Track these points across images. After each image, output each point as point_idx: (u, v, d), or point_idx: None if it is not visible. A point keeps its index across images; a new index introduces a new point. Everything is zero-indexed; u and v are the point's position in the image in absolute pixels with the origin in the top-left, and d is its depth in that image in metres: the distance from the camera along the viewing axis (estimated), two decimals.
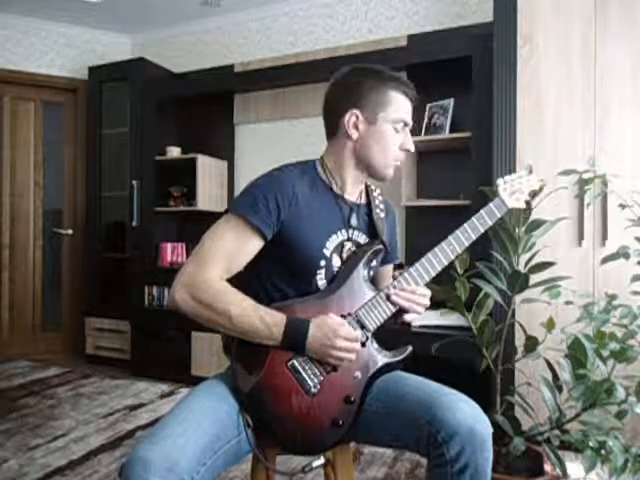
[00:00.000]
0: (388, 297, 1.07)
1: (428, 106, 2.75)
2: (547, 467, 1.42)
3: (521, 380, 1.94)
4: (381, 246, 1.14)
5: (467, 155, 2.50)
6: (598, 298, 1.37)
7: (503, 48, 2.16)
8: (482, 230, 1.15)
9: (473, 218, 1.15)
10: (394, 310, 1.08)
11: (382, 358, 1.07)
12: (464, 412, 0.93)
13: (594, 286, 1.99)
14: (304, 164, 1.14)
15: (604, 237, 1.99)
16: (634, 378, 1.26)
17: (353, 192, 1.17)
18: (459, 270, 1.44)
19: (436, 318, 2.37)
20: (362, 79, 1.09)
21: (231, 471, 1.83)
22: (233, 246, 1.02)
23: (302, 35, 3.33)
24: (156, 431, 0.88)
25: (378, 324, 1.07)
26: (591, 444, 1.24)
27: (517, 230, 1.45)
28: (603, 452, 1.23)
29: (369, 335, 1.06)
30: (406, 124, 1.13)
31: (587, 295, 1.39)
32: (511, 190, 1.20)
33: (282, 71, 2.99)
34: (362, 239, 1.16)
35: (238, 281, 1.08)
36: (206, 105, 3.50)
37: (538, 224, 1.45)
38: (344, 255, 1.12)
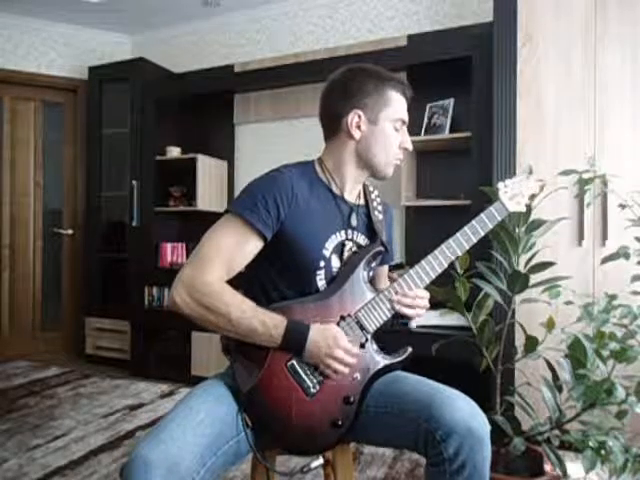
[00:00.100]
0: (391, 305, 1.07)
1: (428, 106, 2.75)
2: (547, 467, 1.42)
3: (521, 380, 1.94)
4: (381, 247, 1.15)
5: (467, 155, 2.50)
6: (598, 298, 1.37)
7: (503, 48, 2.16)
8: (483, 233, 1.16)
9: (474, 221, 1.15)
10: (394, 312, 1.08)
11: (382, 359, 1.07)
12: (462, 410, 0.93)
13: (594, 286, 1.99)
14: (303, 165, 1.14)
15: (604, 237, 1.99)
16: (634, 378, 1.26)
17: (352, 192, 1.17)
18: (459, 270, 1.44)
19: (436, 318, 2.37)
20: (362, 80, 1.10)
21: (231, 471, 1.83)
22: (232, 247, 1.02)
23: (302, 35, 3.33)
24: (156, 431, 0.87)
25: (378, 325, 1.07)
26: (591, 444, 1.24)
27: (517, 230, 1.45)
28: (603, 452, 1.23)
29: (369, 336, 1.06)
30: (404, 122, 1.14)
31: (587, 295, 1.39)
32: (512, 194, 1.20)
33: (282, 71, 2.99)
34: (361, 239, 1.17)
35: (238, 282, 1.08)
36: (206, 105, 3.50)
37: (538, 224, 1.45)
38: (344, 256, 1.12)
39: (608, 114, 2.01)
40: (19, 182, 3.73)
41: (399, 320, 1.13)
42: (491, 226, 1.17)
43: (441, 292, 1.46)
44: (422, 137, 2.66)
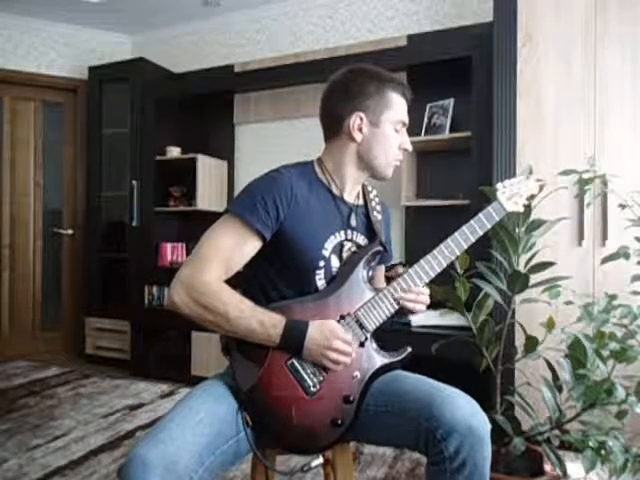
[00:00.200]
0: (395, 299, 1.08)
1: (428, 106, 2.75)
2: (547, 467, 1.42)
3: (521, 380, 1.94)
4: (380, 247, 1.15)
5: (467, 155, 2.50)
6: (598, 298, 1.37)
7: (503, 48, 2.16)
8: (481, 233, 1.16)
9: (472, 221, 1.15)
10: (394, 311, 1.09)
11: (381, 358, 1.07)
12: (462, 409, 0.94)
13: (594, 286, 1.99)
14: (302, 165, 1.15)
15: (604, 237, 1.99)
16: (634, 378, 1.26)
17: (351, 193, 1.18)
18: (459, 270, 1.44)
19: (436, 318, 2.37)
20: (363, 81, 1.10)
21: (231, 471, 1.83)
22: (231, 247, 1.02)
23: (302, 35, 3.33)
24: (155, 431, 0.88)
25: (377, 324, 1.07)
26: (591, 444, 1.24)
27: (517, 230, 1.45)
28: (603, 452, 1.23)
29: (368, 335, 1.06)
30: (404, 124, 1.15)
31: (587, 295, 1.39)
32: (510, 194, 1.20)
33: (282, 71, 2.99)
34: (361, 240, 1.17)
35: (237, 282, 1.08)
36: (206, 105, 3.50)
37: (538, 224, 1.45)
38: (343, 255, 1.13)
39: (608, 114, 2.01)
40: (19, 182, 3.73)
41: (399, 318, 1.13)
42: (489, 226, 1.17)
43: (441, 292, 1.46)
44: (422, 137, 2.66)
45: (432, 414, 0.94)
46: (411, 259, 2.79)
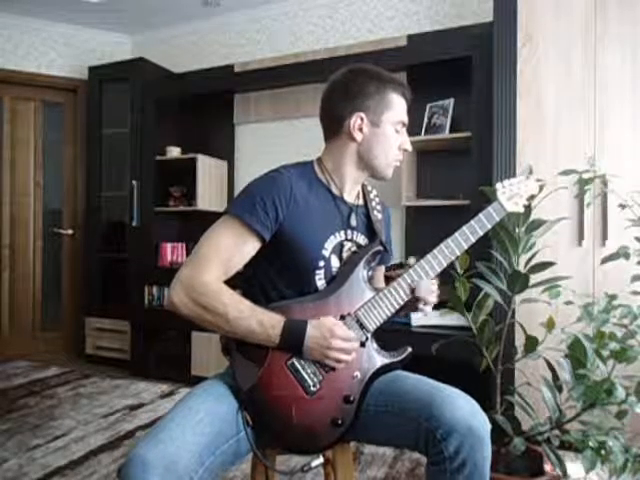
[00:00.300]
0: (410, 288, 1.08)
1: (428, 106, 2.75)
2: (547, 467, 1.42)
3: (521, 380, 1.94)
4: (381, 247, 1.15)
5: (467, 155, 2.50)
6: (598, 298, 1.37)
7: (503, 48, 2.16)
8: (481, 233, 1.16)
9: (472, 221, 1.15)
10: (394, 310, 1.08)
11: (381, 358, 1.07)
12: (462, 409, 0.94)
13: (594, 286, 1.99)
14: (302, 165, 1.15)
15: (604, 237, 1.99)
16: (634, 378, 1.26)
17: (351, 193, 1.18)
18: (459, 270, 1.44)
19: (436, 318, 2.37)
20: (364, 81, 1.11)
21: (231, 471, 1.83)
22: (230, 248, 1.02)
23: (302, 35, 3.33)
24: (155, 431, 0.88)
25: (378, 324, 1.07)
26: (591, 444, 1.24)
27: (517, 230, 1.45)
28: (603, 452, 1.23)
29: (369, 335, 1.06)
30: (404, 124, 1.15)
31: (587, 295, 1.39)
32: (510, 194, 1.20)
33: (282, 71, 2.99)
34: (361, 239, 1.17)
35: (237, 282, 1.08)
36: (206, 105, 3.50)
37: (538, 224, 1.45)
38: (343, 255, 1.13)
39: (608, 114, 2.01)
40: (19, 182, 3.73)
41: (403, 316, 1.13)
42: (489, 226, 1.17)
43: (441, 292, 1.46)
44: (422, 137, 2.66)
45: (432, 414, 0.94)
46: None
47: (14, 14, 3.60)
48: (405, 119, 1.15)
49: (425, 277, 1.11)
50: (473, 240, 1.14)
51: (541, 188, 1.28)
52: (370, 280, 1.22)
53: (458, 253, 1.13)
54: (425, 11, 2.97)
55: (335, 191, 1.14)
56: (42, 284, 3.83)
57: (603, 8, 2.01)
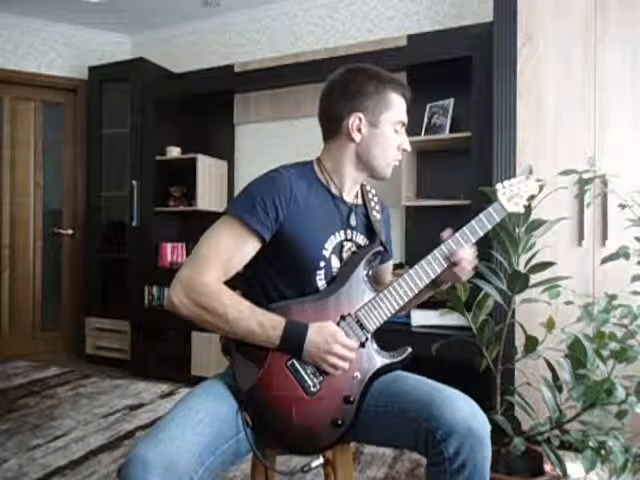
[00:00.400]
0: (446, 256, 1.10)
1: (428, 106, 2.75)
2: (547, 467, 1.42)
3: (521, 380, 1.94)
4: (381, 247, 1.15)
5: (467, 155, 2.50)
6: (598, 298, 1.37)
7: (503, 48, 2.16)
8: (481, 234, 1.16)
9: (472, 222, 1.15)
10: (394, 311, 1.08)
11: (381, 359, 1.07)
12: (462, 410, 0.94)
13: (594, 286, 1.99)
14: (301, 165, 1.15)
15: (604, 237, 1.99)
16: (634, 378, 1.26)
17: (350, 193, 1.18)
18: None
19: (436, 318, 2.37)
20: (362, 81, 1.10)
21: (231, 471, 1.83)
22: (230, 249, 1.02)
23: (302, 35, 3.33)
24: (155, 431, 0.87)
25: (378, 325, 1.07)
26: (591, 444, 1.24)
27: (517, 230, 1.45)
28: (603, 452, 1.23)
29: (369, 336, 1.06)
30: (404, 124, 1.15)
31: (587, 295, 1.39)
32: (510, 195, 1.20)
33: (282, 71, 2.99)
34: (360, 239, 1.17)
35: (237, 282, 1.08)
36: (206, 105, 3.50)
37: (538, 224, 1.45)
38: (343, 256, 1.12)
39: (608, 114, 2.01)
40: (19, 182, 3.73)
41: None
42: (490, 227, 1.17)
43: (441, 292, 1.46)
44: (422, 137, 2.66)
45: (432, 415, 0.94)
46: (411, 259, 2.79)
47: (14, 14, 3.60)
48: (405, 119, 1.14)
49: (425, 278, 1.11)
50: (473, 240, 1.14)
51: (541, 188, 1.28)
52: (376, 278, 1.23)
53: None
54: (425, 11, 2.97)
55: (334, 191, 1.14)
56: (42, 284, 3.83)
57: (603, 8, 2.01)
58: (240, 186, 3.27)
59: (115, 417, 2.44)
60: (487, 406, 1.16)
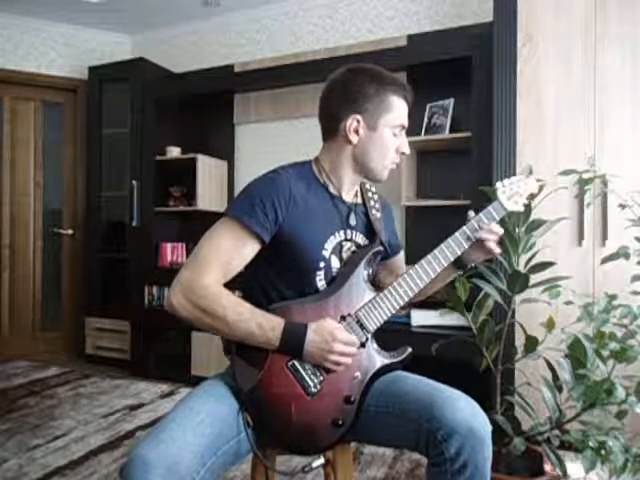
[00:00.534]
0: (468, 237, 1.12)
1: (428, 106, 2.75)
2: (547, 467, 1.42)
3: (521, 380, 1.94)
4: (381, 247, 1.15)
5: (467, 155, 2.50)
6: (598, 298, 1.37)
7: (503, 48, 2.16)
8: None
9: (473, 220, 1.15)
10: (394, 311, 1.08)
11: (382, 359, 1.07)
12: (463, 410, 0.94)
13: (594, 286, 1.99)
14: (300, 165, 1.14)
15: (604, 237, 1.99)
16: (634, 378, 1.26)
17: (349, 192, 1.18)
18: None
19: (436, 318, 2.37)
20: (363, 82, 1.09)
21: (231, 471, 1.83)
22: (230, 250, 1.02)
23: (302, 35, 3.33)
24: (156, 431, 0.88)
25: (378, 325, 1.07)
26: (591, 444, 1.24)
27: (517, 230, 1.45)
28: (603, 452, 1.23)
29: (369, 336, 1.06)
30: (404, 127, 1.14)
31: (587, 295, 1.39)
32: (510, 193, 1.20)
33: (282, 71, 2.99)
34: (360, 239, 1.17)
35: (238, 283, 1.08)
36: (206, 105, 3.50)
37: (538, 224, 1.45)
38: (343, 256, 1.12)
39: (608, 114, 2.01)
40: (19, 182, 3.73)
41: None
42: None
43: (441, 292, 1.46)
44: (422, 137, 2.66)
45: (433, 415, 0.94)
46: (411, 259, 2.78)
47: (14, 14, 3.60)
48: (405, 122, 1.13)
49: (425, 277, 1.11)
50: (474, 239, 1.14)
51: (541, 188, 1.28)
52: (376, 277, 1.23)
53: (459, 253, 1.13)
54: (425, 11, 2.97)
55: (333, 191, 1.14)
56: (42, 284, 3.83)
57: (603, 8, 2.01)
58: (240, 186, 3.27)
59: (115, 417, 2.44)
60: (487, 406, 1.16)
